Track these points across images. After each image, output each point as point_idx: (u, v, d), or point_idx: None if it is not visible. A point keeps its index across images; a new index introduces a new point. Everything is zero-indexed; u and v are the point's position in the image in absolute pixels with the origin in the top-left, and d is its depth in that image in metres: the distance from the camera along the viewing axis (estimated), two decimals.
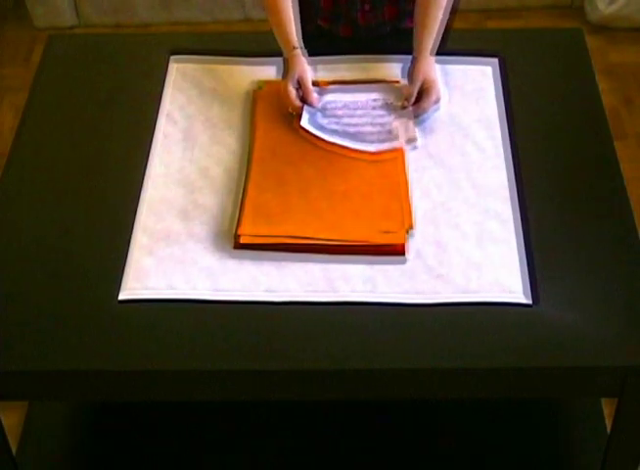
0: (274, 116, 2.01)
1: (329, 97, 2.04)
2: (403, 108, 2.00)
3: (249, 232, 1.79)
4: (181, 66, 2.15)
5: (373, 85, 2.07)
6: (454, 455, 2.14)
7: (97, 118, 2.05)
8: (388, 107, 2.02)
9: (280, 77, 2.08)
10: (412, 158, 1.93)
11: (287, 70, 2.01)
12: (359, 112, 2.02)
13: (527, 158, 1.94)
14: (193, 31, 3.43)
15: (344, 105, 2.03)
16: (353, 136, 1.96)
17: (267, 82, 2.09)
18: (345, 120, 1.99)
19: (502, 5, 3.61)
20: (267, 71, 2.12)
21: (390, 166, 1.91)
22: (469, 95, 2.07)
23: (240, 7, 3.53)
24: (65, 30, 3.57)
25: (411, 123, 1.97)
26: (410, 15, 2.16)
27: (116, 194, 1.90)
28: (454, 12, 2.10)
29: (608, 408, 2.18)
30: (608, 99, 2.57)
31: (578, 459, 2.12)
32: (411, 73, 2.02)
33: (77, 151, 1.99)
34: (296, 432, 2.18)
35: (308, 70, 2.00)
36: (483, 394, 1.75)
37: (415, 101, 2.00)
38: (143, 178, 1.91)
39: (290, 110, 1.99)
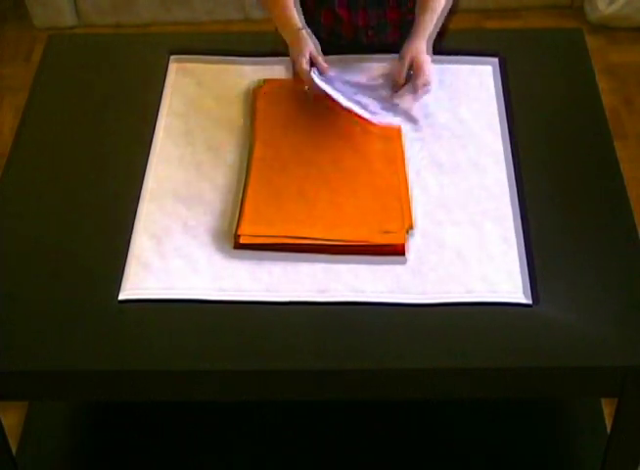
0: (274, 114, 2.01)
1: (333, 76, 2.02)
2: (394, 91, 1.99)
3: (248, 232, 1.79)
4: (181, 66, 2.15)
5: (374, 65, 2.06)
6: (454, 455, 2.14)
7: (97, 118, 2.05)
8: (389, 87, 2.02)
9: (280, 77, 2.08)
10: (412, 157, 1.93)
11: (296, 50, 1.99)
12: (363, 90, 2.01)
13: (527, 158, 1.94)
14: (193, 31, 3.43)
15: (348, 83, 2.02)
16: (358, 103, 1.95)
17: (267, 80, 2.09)
18: (350, 93, 1.98)
19: (501, 5, 3.61)
20: (267, 71, 2.11)
21: (391, 167, 1.91)
22: (469, 95, 2.07)
23: (240, 7, 3.53)
24: (65, 30, 3.57)
25: (411, 104, 1.97)
26: None
27: (117, 194, 1.90)
28: (453, 13, 2.10)
29: (608, 408, 2.18)
30: (608, 99, 2.56)
31: (578, 459, 2.12)
32: (401, 54, 2.00)
33: (77, 151, 1.99)
34: (296, 432, 2.18)
35: (317, 45, 2.00)
36: (483, 394, 1.75)
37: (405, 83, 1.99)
38: (143, 178, 1.91)
39: (306, 88, 1.98)
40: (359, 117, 1.93)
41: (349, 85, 2.01)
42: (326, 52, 2.09)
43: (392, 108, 1.98)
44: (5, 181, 1.94)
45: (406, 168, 1.90)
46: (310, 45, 1.99)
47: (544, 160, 1.95)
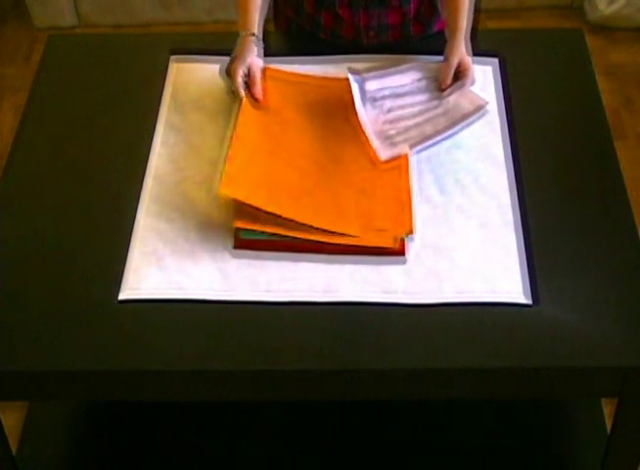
0: (271, 103, 2.00)
1: (372, 85, 2.03)
2: (442, 90, 2.00)
3: (229, 190, 1.78)
4: (181, 66, 2.15)
5: (412, 65, 2.06)
6: (454, 455, 2.14)
7: (97, 118, 2.05)
8: (434, 88, 2.01)
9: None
10: (410, 158, 1.92)
11: (239, 51, 2.00)
12: (408, 99, 2.01)
13: (527, 157, 1.94)
14: (193, 31, 3.43)
15: (392, 93, 2.02)
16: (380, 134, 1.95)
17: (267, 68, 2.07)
18: (392, 115, 1.99)
19: (502, 5, 3.61)
20: None
21: (393, 166, 1.90)
22: None
23: None
24: (65, 30, 3.57)
25: (470, 92, 1.98)
26: (413, 33, 2.16)
27: (117, 193, 1.90)
28: (477, 11, 2.10)
29: (608, 408, 2.18)
30: (608, 99, 2.57)
31: (578, 459, 2.12)
32: (446, 56, 2.00)
33: (77, 151, 1.99)
34: (296, 432, 2.18)
35: (260, 61, 2.00)
36: (483, 394, 1.75)
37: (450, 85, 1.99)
38: (143, 178, 1.91)
39: (231, 89, 2.00)
40: (370, 148, 1.93)
41: (391, 96, 2.02)
42: (326, 53, 2.10)
43: (443, 104, 1.98)
44: (5, 181, 1.94)
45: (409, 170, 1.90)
46: (254, 56, 2.00)
47: (544, 160, 1.95)
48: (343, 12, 2.10)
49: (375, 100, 2.01)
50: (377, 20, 2.11)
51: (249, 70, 1.99)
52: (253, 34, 2.01)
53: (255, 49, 2.01)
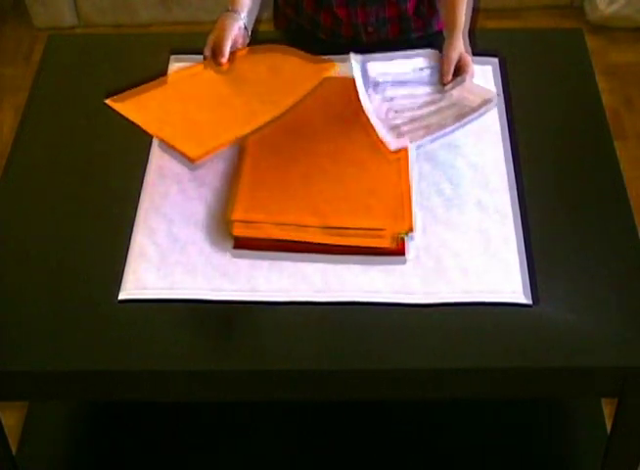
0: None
1: (374, 68, 2.03)
2: (443, 85, 2.00)
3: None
4: (181, 66, 2.15)
5: (414, 52, 2.05)
6: (454, 455, 2.14)
7: (97, 119, 2.05)
8: (436, 80, 2.02)
9: None
10: (411, 157, 1.92)
11: (215, 25, 2.02)
12: (410, 88, 2.01)
13: (527, 158, 1.94)
14: (193, 31, 3.43)
15: (394, 79, 2.02)
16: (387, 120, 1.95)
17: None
18: (396, 105, 1.99)
19: (502, 5, 3.61)
20: None
21: (393, 167, 1.90)
22: None
23: None
24: (65, 30, 3.58)
25: (476, 86, 1.98)
26: (413, 30, 2.16)
27: (116, 194, 1.90)
28: (476, 11, 2.10)
29: (608, 408, 2.18)
30: (608, 99, 2.57)
31: (578, 459, 2.12)
32: (445, 52, 2.00)
33: (77, 151, 1.99)
34: (296, 432, 2.18)
35: (231, 34, 2.00)
36: (483, 394, 1.75)
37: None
38: (143, 178, 1.91)
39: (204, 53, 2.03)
40: (377, 137, 1.93)
41: (391, 80, 2.02)
42: (326, 53, 2.10)
43: (447, 98, 1.98)
44: (5, 181, 1.94)
45: (409, 170, 1.90)
46: (224, 31, 2.00)
47: (544, 160, 1.95)
48: (341, 11, 2.11)
49: (377, 85, 2.01)
50: (375, 16, 2.11)
51: (215, 41, 2.00)
52: (234, 11, 2.01)
53: (231, 24, 2.01)
